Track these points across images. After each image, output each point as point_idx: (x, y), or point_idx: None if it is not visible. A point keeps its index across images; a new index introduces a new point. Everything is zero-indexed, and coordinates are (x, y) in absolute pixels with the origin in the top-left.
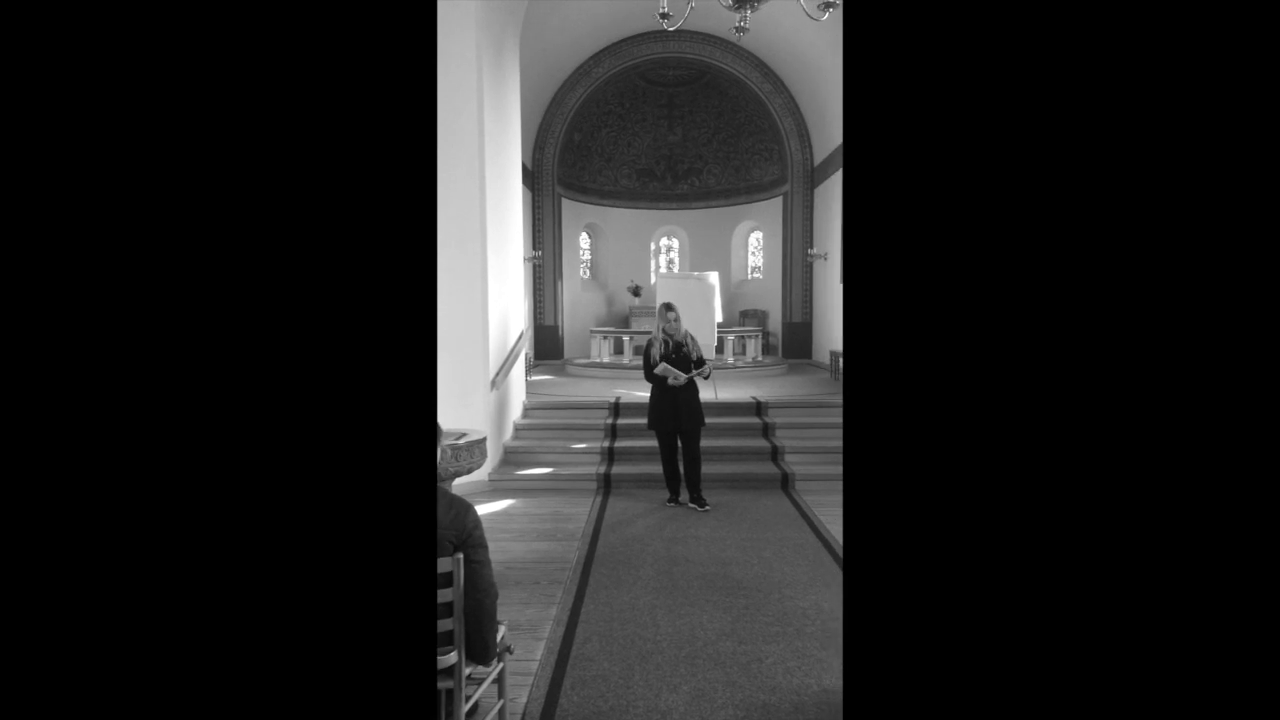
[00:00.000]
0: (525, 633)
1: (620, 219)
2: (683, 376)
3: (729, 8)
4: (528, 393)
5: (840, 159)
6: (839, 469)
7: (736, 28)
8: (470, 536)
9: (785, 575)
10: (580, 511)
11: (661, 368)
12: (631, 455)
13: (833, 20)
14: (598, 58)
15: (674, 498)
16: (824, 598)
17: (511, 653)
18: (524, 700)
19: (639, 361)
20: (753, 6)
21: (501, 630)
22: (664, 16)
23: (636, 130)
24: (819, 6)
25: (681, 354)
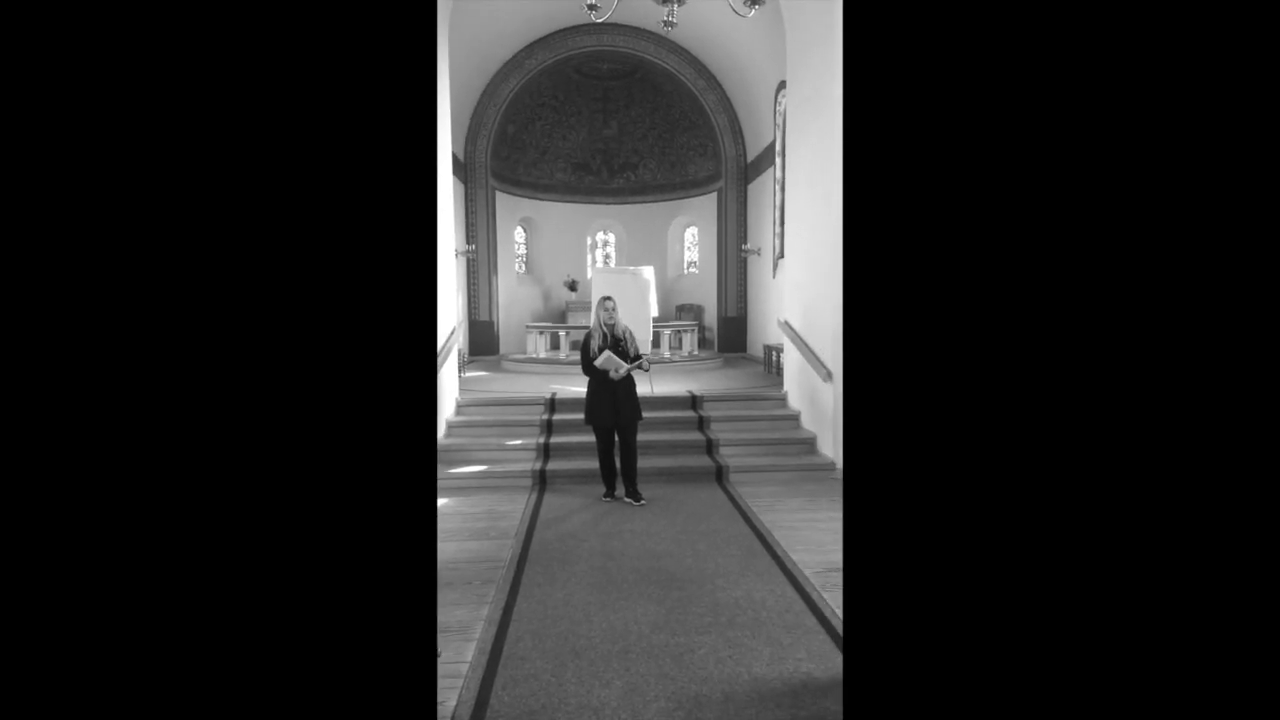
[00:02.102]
0: (456, 634)
1: (556, 213)
2: (624, 367)
3: (657, 1)
4: (461, 390)
5: (771, 157)
6: (772, 460)
7: (664, 21)
8: None
9: (718, 566)
10: (515, 509)
11: (605, 356)
12: (567, 451)
13: (764, 19)
14: (531, 49)
15: (610, 493)
16: (755, 587)
17: (439, 655)
18: (453, 703)
19: (576, 356)
20: (679, 0)
21: None
22: (592, 8)
23: (571, 123)
24: (746, 3)
25: (620, 349)
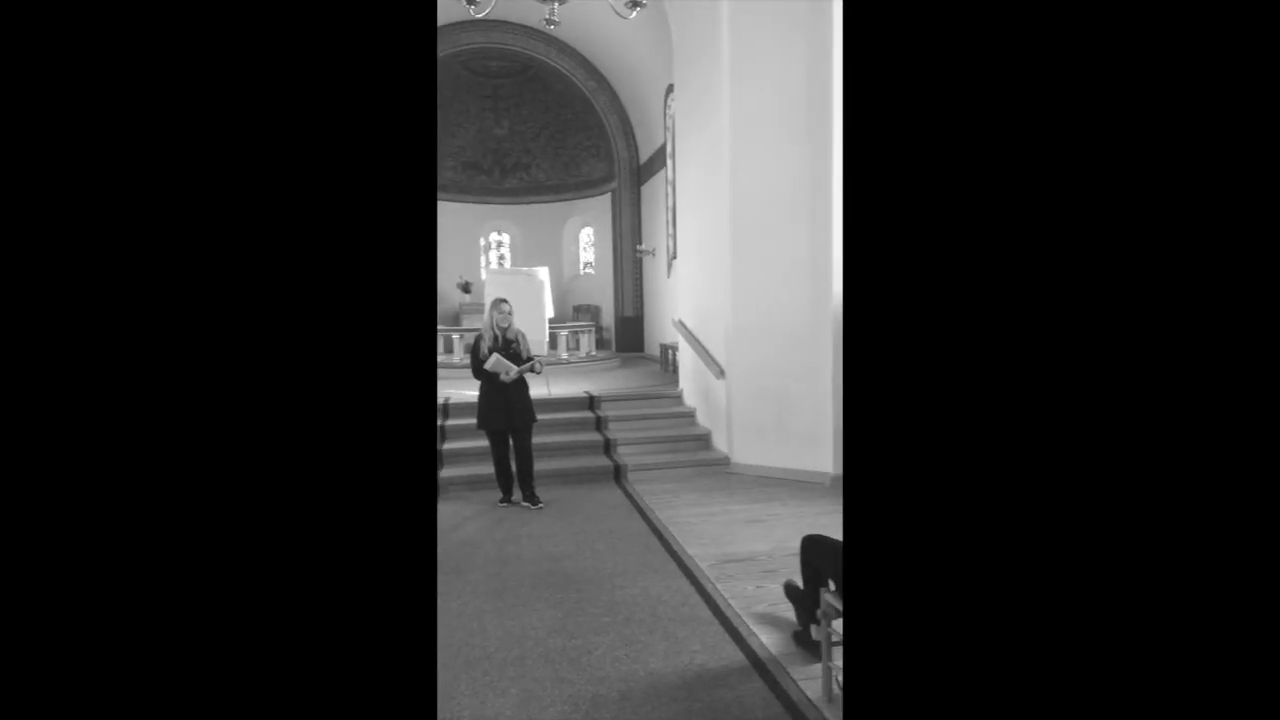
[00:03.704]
0: None
1: (447, 213)
2: (514, 370)
3: None
4: None
5: (663, 158)
6: (669, 457)
7: (546, 20)
8: None
9: (616, 565)
10: None
11: (494, 359)
12: (462, 457)
13: (652, 23)
14: None
15: (506, 497)
16: (652, 583)
17: None
18: None
19: (469, 360)
20: None
21: None
22: (470, 2)
23: (460, 121)
24: (626, 4)
25: (512, 351)
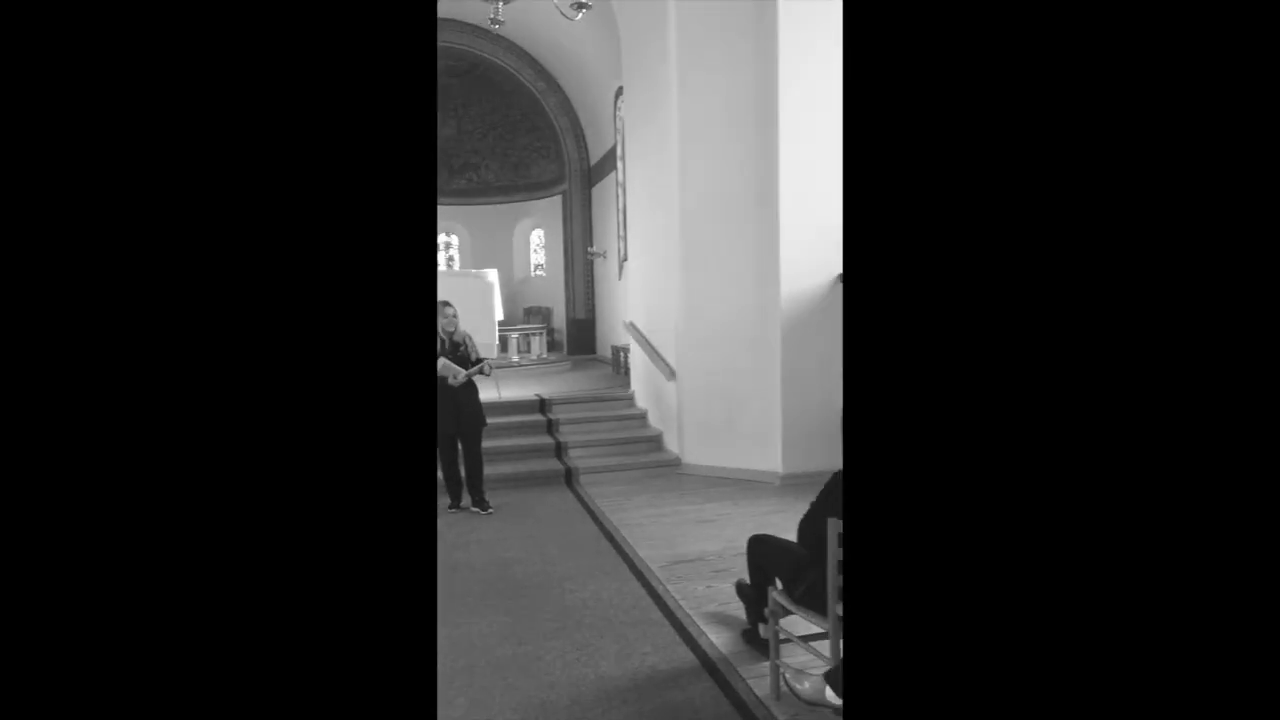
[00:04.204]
0: None
1: None
2: (462, 374)
3: None
4: None
5: (614, 160)
6: (620, 459)
7: (491, 20)
8: None
9: (566, 569)
10: None
11: (441, 364)
12: None
13: (600, 23)
14: None
15: (456, 503)
16: (603, 586)
17: None
18: None
19: None
20: None
21: None
22: None
23: None
24: (572, 6)
25: (459, 354)
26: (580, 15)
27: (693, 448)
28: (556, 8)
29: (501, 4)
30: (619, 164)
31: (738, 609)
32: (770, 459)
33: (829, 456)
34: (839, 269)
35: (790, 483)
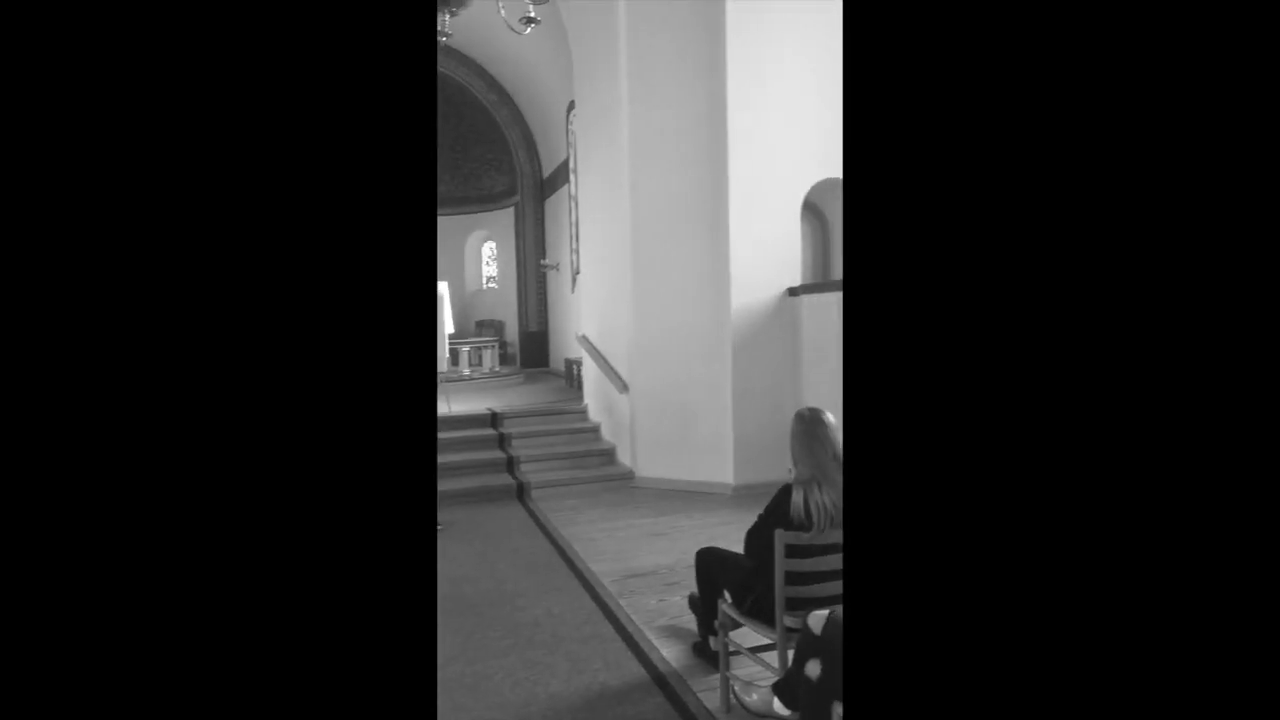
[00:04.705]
0: None
1: None
2: None
3: None
4: None
5: (566, 173)
6: (573, 473)
7: (439, 32)
8: None
9: (518, 586)
10: None
11: None
12: None
13: (552, 36)
14: None
15: None
16: (555, 603)
17: None
18: None
19: None
20: (451, 11)
21: None
22: None
23: None
24: (521, 20)
25: None
26: (529, 30)
27: (646, 460)
28: (505, 22)
29: (449, 16)
30: (571, 176)
31: (690, 622)
32: (723, 470)
33: (780, 467)
34: (789, 283)
35: (743, 494)
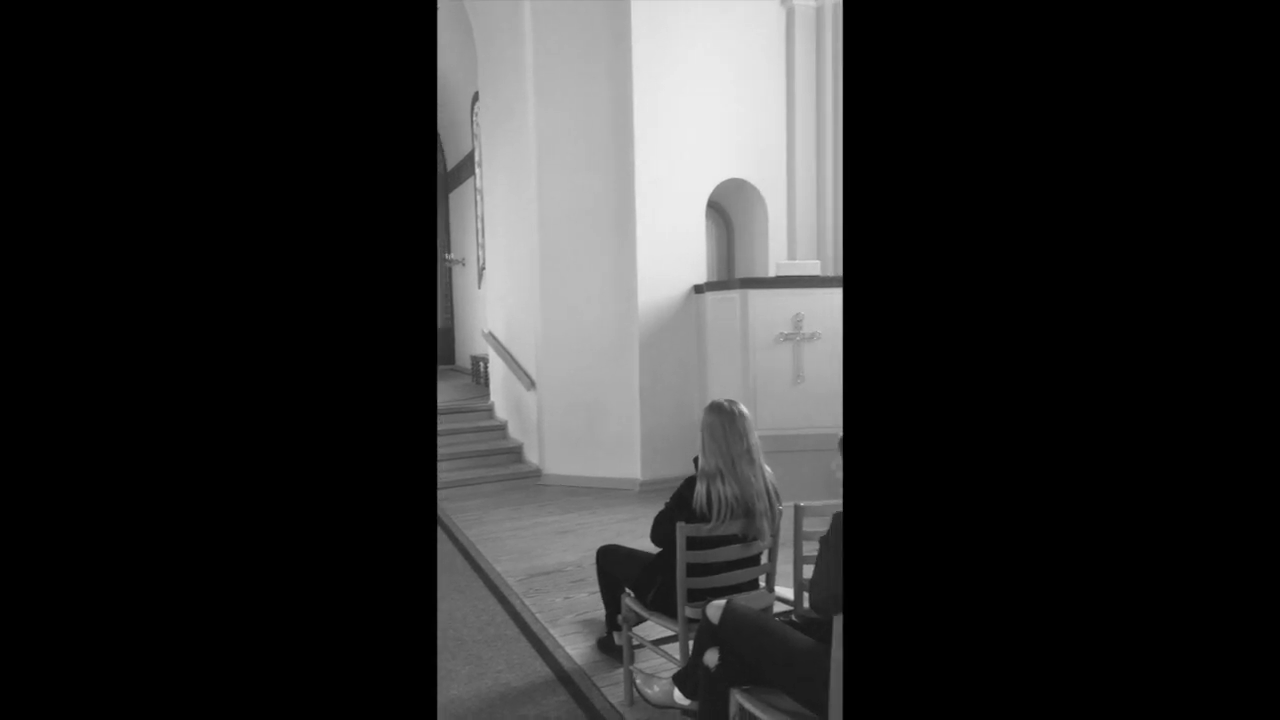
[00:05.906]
0: None
1: None
2: None
3: None
4: None
5: (471, 166)
6: (481, 472)
7: None
8: None
9: None
10: None
11: None
12: None
13: (454, 24)
14: None
15: None
16: (457, 604)
17: None
18: None
19: None
20: None
21: None
22: None
23: None
24: None
25: None
26: None
27: (553, 458)
28: None
29: None
30: (477, 169)
31: (597, 617)
32: (629, 467)
33: (686, 462)
34: (694, 280)
35: (649, 489)
